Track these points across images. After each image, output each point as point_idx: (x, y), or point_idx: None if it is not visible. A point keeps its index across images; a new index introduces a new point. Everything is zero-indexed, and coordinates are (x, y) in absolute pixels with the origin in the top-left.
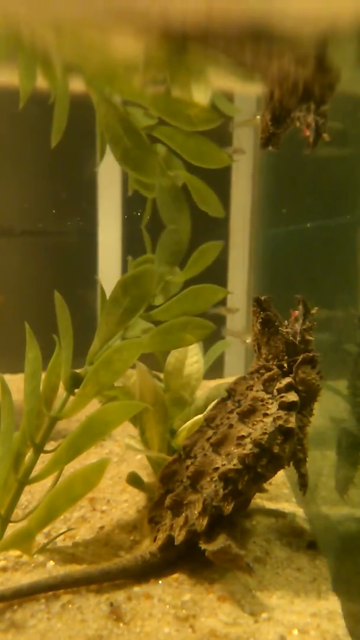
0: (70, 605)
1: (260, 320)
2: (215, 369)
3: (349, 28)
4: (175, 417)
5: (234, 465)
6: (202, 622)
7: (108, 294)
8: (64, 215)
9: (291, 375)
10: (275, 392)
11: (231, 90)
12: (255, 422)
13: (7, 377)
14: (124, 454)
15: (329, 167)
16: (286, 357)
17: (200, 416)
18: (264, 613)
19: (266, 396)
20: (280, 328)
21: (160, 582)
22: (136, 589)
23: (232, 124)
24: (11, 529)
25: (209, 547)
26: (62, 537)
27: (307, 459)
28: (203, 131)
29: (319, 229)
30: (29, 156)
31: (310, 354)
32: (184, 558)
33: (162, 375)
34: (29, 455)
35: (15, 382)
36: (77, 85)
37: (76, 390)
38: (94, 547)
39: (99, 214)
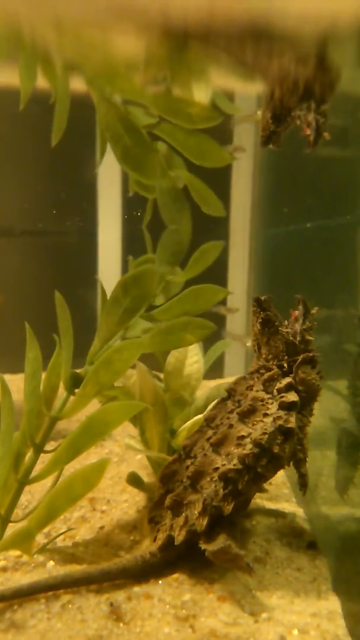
0: (70, 605)
1: (260, 320)
2: (215, 369)
3: (349, 27)
4: (175, 417)
5: (234, 465)
6: (202, 622)
7: (108, 294)
8: (64, 215)
9: (291, 375)
10: (275, 392)
11: (232, 89)
12: (255, 422)
13: (7, 377)
14: (124, 454)
15: (330, 167)
16: (286, 357)
17: (200, 416)
18: (264, 613)
19: (266, 396)
20: (280, 328)
21: (160, 582)
22: (136, 589)
23: (233, 121)
24: (11, 529)
25: (209, 547)
26: (62, 537)
27: (307, 459)
28: (204, 129)
29: (319, 229)
30: (29, 156)
31: (310, 354)
32: (184, 558)
33: (162, 375)
34: (29, 455)
35: (15, 382)
36: (77, 84)
37: (76, 390)
38: (94, 547)
39: (99, 214)
